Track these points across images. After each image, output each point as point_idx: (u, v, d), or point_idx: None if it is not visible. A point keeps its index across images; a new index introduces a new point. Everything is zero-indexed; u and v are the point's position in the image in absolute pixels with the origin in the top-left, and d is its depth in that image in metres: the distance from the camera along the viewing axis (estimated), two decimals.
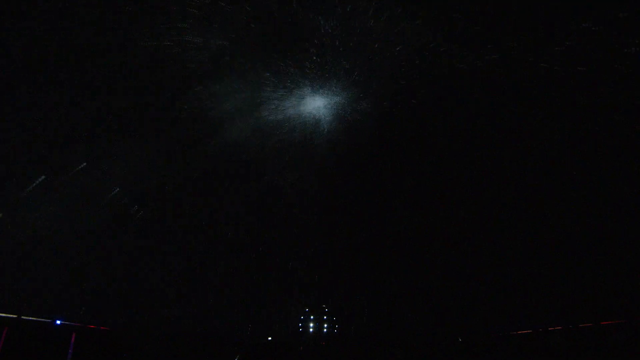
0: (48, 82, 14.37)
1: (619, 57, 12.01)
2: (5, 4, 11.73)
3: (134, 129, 17.29)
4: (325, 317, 26.96)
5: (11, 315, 12.96)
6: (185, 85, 16.22)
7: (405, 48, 14.60)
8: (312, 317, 26.76)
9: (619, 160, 14.16)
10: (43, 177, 16.13)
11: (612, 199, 14.72)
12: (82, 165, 16.73)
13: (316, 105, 18.77)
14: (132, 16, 13.08)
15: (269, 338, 24.28)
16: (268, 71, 15.96)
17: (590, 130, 14.46)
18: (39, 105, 14.78)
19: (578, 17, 11.54)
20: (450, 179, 20.19)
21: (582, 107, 14.01)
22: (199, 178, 21.77)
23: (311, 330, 26.40)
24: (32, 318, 13.81)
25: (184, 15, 13.54)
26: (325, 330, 26.70)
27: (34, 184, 15.94)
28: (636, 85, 12.34)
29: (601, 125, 14.08)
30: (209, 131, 18.59)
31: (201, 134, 18.70)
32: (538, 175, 16.91)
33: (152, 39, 14.15)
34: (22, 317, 13.39)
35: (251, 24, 14.00)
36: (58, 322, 14.31)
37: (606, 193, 14.87)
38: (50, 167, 16.37)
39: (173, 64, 15.12)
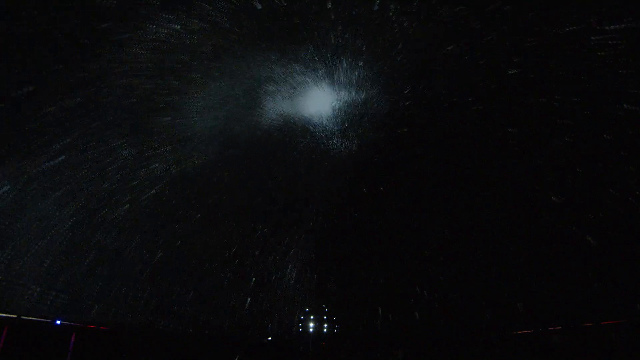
0: None
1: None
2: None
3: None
4: (325, 317, 26.96)
5: (11, 315, 12.94)
6: None
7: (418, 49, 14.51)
8: (312, 317, 26.75)
9: (619, 161, 14.16)
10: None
11: (612, 200, 14.72)
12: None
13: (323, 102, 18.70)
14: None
15: (269, 338, 24.26)
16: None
17: (589, 131, 14.47)
18: None
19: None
20: (451, 179, 20.17)
21: (585, 105, 13.99)
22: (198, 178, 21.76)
23: (311, 330, 26.38)
24: (32, 318, 13.80)
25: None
26: (325, 330, 26.69)
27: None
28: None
29: (601, 126, 14.08)
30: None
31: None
32: (540, 175, 16.90)
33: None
34: (22, 317, 13.37)
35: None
36: (58, 322, 14.30)
37: (606, 194, 14.87)
38: None
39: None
